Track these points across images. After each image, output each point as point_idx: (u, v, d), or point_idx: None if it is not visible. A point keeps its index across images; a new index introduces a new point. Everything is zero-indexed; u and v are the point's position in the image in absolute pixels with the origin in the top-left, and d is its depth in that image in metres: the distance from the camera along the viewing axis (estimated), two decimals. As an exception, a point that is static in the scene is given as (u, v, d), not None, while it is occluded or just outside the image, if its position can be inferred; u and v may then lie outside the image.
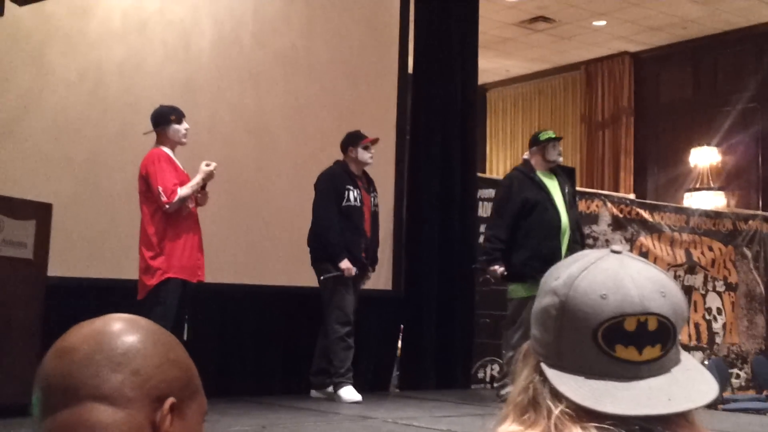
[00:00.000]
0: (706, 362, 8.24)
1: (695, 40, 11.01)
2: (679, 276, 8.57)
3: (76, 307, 4.71)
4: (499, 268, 5.50)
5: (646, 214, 8.53)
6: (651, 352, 0.93)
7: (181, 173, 4.74)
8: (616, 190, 10.88)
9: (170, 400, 0.87)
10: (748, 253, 9.23)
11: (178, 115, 4.80)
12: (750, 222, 9.33)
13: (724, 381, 8.09)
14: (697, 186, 10.80)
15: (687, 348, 8.26)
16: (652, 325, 0.92)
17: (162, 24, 5.83)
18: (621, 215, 8.32)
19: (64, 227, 5.00)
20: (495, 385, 6.44)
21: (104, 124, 5.55)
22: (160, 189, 4.57)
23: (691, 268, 8.75)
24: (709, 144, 10.79)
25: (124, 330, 0.89)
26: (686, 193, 10.85)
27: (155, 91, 5.57)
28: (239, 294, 5.92)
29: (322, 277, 5.44)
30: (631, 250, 7.90)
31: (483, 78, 9.67)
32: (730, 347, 8.95)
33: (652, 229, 8.54)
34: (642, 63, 11.69)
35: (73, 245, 5.27)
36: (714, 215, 9.18)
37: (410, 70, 7.09)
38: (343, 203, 5.44)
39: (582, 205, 7.71)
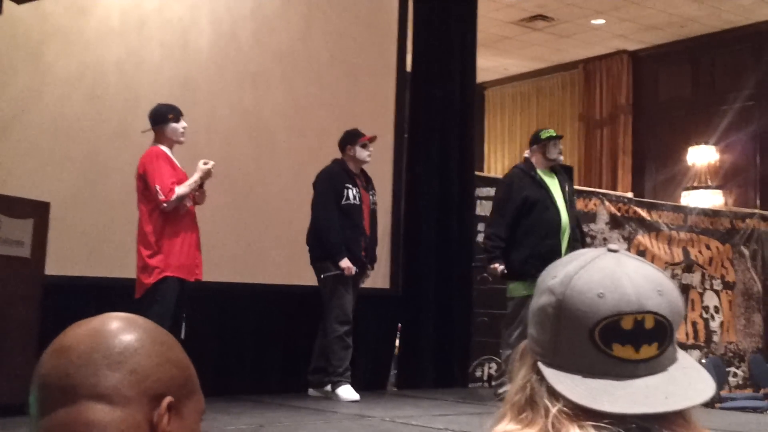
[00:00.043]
0: (703, 361, 8.25)
1: (693, 38, 11.02)
2: (677, 274, 8.57)
3: (74, 306, 4.73)
4: (499, 267, 5.50)
5: (643, 213, 8.54)
6: (648, 350, 0.93)
7: (179, 172, 4.74)
8: (614, 188, 10.89)
9: (168, 399, 0.87)
10: (746, 252, 9.24)
11: (176, 114, 4.80)
12: (747, 220, 9.34)
13: (721, 379, 8.10)
14: (695, 184, 10.81)
15: (684, 346, 8.26)
16: (649, 323, 0.93)
17: (160, 23, 5.83)
18: (619, 214, 8.32)
19: (61, 226, 4.99)
20: (493, 383, 6.45)
21: (102, 122, 5.54)
22: (158, 187, 4.57)
23: (689, 266, 8.75)
24: (707, 142, 10.80)
25: (121, 329, 0.89)
26: (684, 191, 10.86)
27: (153, 89, 5.57)
28: (237, 293, 5.92)
29: (322, 276, 5.44)
30: (628, 249, 7.91)
31: (481, 77, 9.66)
32: (727, 346, 8.96)
33: (650, 228, 8.54)
34: (640, 61, 11.69)
35: (71, 244, 5.27)
36: (712, 214, 9.19)
37: (409, 69, 7.09)
38: (343, 202, 5.44)
39: (580, 204, 7.71)
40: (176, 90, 5.64)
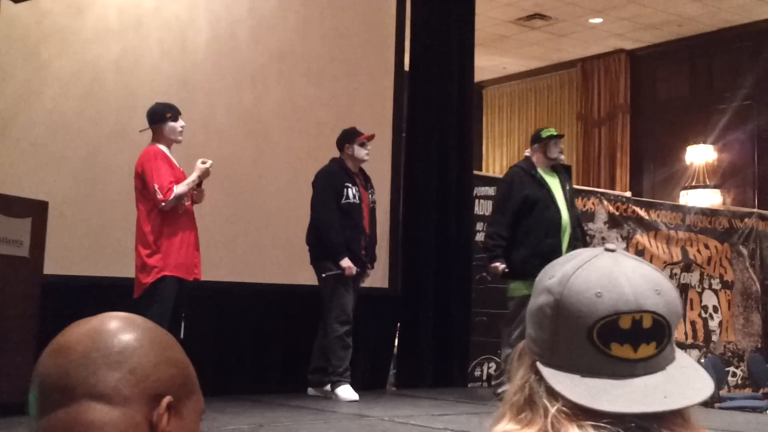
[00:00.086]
0: (702, 360, 8.26)
1: (691, 37, 11.02)
2: (675, 274, 8.58)
3: (73, 306, 4.72)
4: (500, 266, 5.50)
5: (642, 212, 8.54)
6: (646, 349, 0.93)
7: (177, 171, 4.74)
8: (612, 187, 10.89)
9: (167, 399, 0.87)
10: (744, 251, 9.24)
11: (174, 113, 4.79)
12: (746, 220, 9.34)
13: (720, 379, 8.10)
14: (693, 184, 10.81)
15: (683, 346, 8.27)
16: (646, 322, 0.93)
17: (158, 21, 5.83)
18: (617, 213, 8.32)
19: (60, 225, 4.99)
20: (492, 383, 6.45)
21: (100, 121, 5.54)
22: (156, 187, 4.56)
23: (687, 266, 8.76)
24: (705, 142, 10.81)
25: (120, 328, 0.89)
26: (682, 190, 10.86)
27: (151, 88, 5.57)
28: (236, 292, 5.92)
29: (322, 275, 5.44)
30: (627, 248, 7.92)
31: (479, 75, 9.66)
32: (726, 345, 8.97)
33: (649, 227, 8.54)
34: (638, 61, 11.69)
35: (69, 243, 5.27)
36: (710, 213, 9.19)
37: (407, 68, 7.09)
38: (342, 201, 5.44)
39: (578, 203, 7.70)
40: (174, 89, 5.64)
